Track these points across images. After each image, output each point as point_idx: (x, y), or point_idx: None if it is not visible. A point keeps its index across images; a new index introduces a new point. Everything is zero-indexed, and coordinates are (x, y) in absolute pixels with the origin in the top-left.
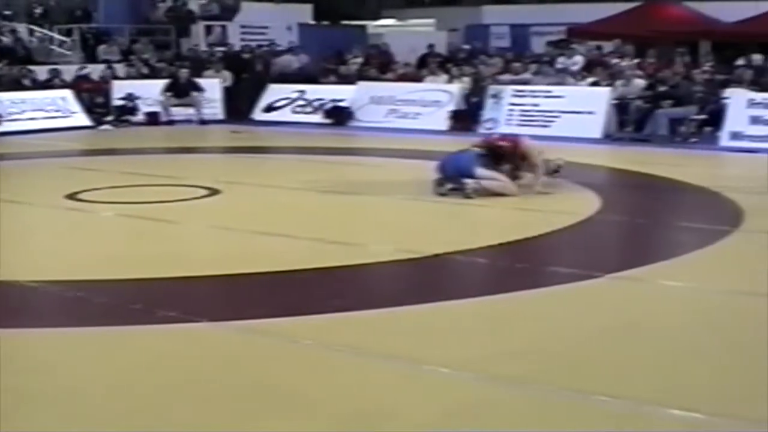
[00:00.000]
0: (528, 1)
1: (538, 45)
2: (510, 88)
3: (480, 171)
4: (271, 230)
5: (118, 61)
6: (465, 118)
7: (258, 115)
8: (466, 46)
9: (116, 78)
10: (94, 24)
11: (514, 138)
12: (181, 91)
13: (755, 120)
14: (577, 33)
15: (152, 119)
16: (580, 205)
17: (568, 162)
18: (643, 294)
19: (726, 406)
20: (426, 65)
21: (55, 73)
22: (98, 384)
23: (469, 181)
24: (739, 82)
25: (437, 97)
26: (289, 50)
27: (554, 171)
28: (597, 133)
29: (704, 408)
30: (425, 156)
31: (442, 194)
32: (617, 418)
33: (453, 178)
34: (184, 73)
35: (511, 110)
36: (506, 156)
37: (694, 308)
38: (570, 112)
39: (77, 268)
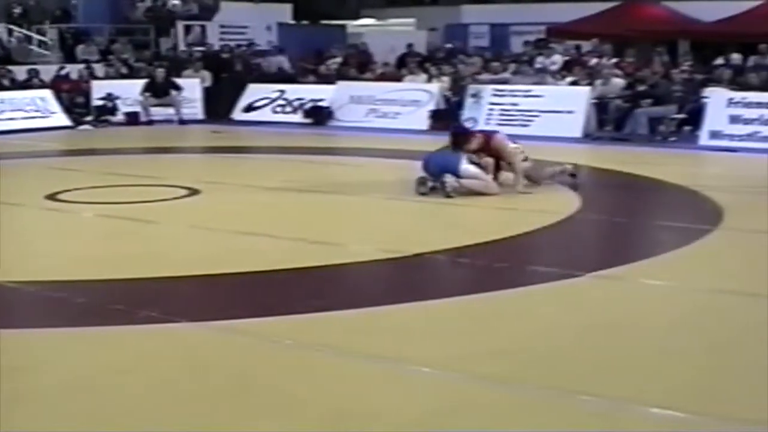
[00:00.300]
0: (507, 1)
1: (517, 44)
2: (490, 88)
3: (464, 169)
4: (251, 230)
5: (97, 61)
6: (445, 117)
7: (238, 114)
8: (448, 45)
9: (95, 78)
10: (73, 24)
11: (488, 133)
12: (160, 90)
13: (734, 119)
14: (556, 32)
15: (132, 119)
16: (560, 204)
17: (545, 161)
18: (624, 293)
19: (706, 404)
20: (405, 65)
21: (34, 73)
22: (79, 385)
23: (449, 179)
24: (718, 82)
25: (417, 97)
26: (280, 50)
27: (571, 175)
28: (577, 132)
29: (685, 406)
30: (405, 156)
31: (423, 193)
32: (598, 417)
33: (436, 175)
34: (160, 72)
35: (491, 109)
36: (471, 143)
37: (675, 307)
38: (549, 112)
39: (57, 269)
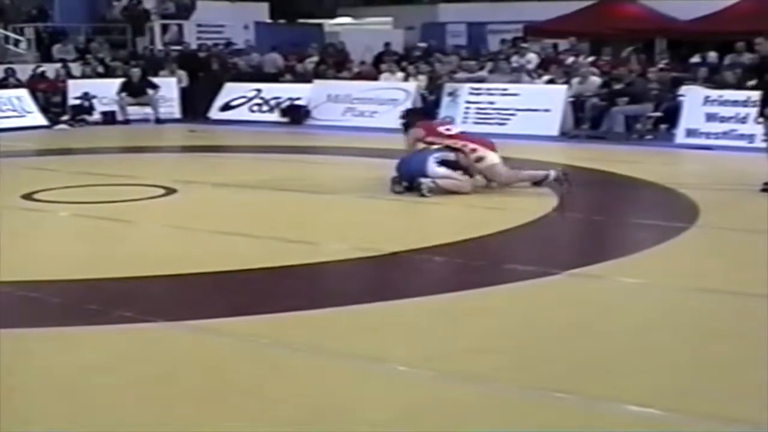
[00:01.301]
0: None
1: (494, 43)
2: (466, 86)
3: (434, 170)
4: (227, 229)
5: (74, 60)
6: (421, 116)
7: (215, 113)
8: (423, 44)
9: (72, 77)
10: (49, 23)
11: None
12: (136, 90)
13: (710, 117)
14: (533, 31)
15: (108, 118)
16: (537, 202)
17: (524, 159)
18: (601, 291)
19: (682, 402)
20: (382, 63)
21: (10, 73)
22: (54, 385)
23: (424, 179)
24: (694, 80)
25: (394, 95)
26: (273, 48)
27: (558, 180)
28: (553, 130)
29: (662, 404)
30: (382, 154)
31: (398, 192)
32: (576, 415)
33: (408, 179)
34: (135, 72)
35: (468, 108)
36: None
37: (651, 305)
38: (526, 110)
39: (33, 268)
